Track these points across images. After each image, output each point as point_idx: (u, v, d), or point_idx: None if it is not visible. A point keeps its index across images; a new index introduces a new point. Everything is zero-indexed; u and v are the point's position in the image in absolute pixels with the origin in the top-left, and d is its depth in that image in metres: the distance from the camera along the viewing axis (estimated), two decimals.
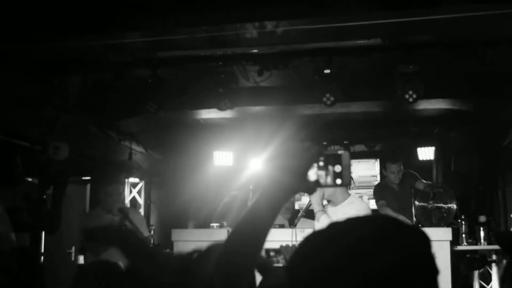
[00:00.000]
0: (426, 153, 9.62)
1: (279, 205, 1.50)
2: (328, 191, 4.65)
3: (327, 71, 5.72)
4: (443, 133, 9.37)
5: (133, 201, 10.28)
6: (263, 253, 3.61)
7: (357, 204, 4.78)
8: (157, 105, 6.29)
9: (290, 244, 3.32)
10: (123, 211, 5.57)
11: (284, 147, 1.53)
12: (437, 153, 9.65)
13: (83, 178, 9.58)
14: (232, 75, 6.03)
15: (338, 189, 4.68)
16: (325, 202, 4.77)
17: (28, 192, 5.93)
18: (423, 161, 9.60)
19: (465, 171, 9.20)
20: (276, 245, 3.74)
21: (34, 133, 6.47)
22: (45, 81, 6.05)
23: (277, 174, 1.50)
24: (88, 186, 9.71)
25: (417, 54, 5.63)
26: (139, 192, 10.33)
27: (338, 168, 1.51)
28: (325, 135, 9.44)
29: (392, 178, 7.53)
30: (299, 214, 4.76)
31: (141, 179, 10.26)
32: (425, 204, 7.45)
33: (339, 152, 1.53)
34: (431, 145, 9.58)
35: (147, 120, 7.85)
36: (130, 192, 10.26)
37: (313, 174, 1.50)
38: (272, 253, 3.46)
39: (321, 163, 1.49)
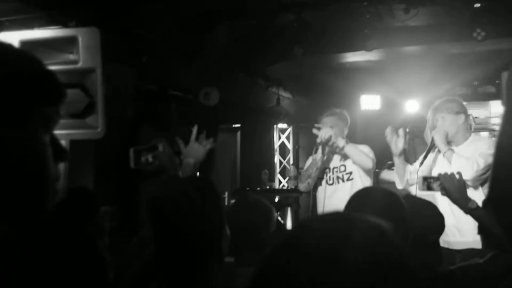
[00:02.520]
0: None
1: None
2: (452, 130, 4.50)
3: (477, 5, 5.44)
4: None
5: (282, 146, 10.51)
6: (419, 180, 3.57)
7: (478, 141, 4.55)
8: (303, 49, 6.33)
9: (448, 172, 3.27)
10: None
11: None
12: None
13: (233, 126, 9.89)
14: (377, 15, 5.91)
15: (461, 130, 4.54)
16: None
17: (183, 137, 6.26)
18: None
19: None
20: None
21: (186, 83, 6.77)
22: (196, 32, 6.27)
23: None
24: (239, 133, 10.02)
25: None
26: (287, 138, 10.54)
27: None
28: (475, 73, 9.03)
29: None
30: (423, 160, 4.63)
31: (289, 125, 10.44)
32: None
33: None
34: None
35: (293, 66, 7.90)
36: (279, 138, 10.48)
37: None
38: (430, 180, 3.41)
39: None
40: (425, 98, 8.38)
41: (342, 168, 5.36)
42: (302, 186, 5.43)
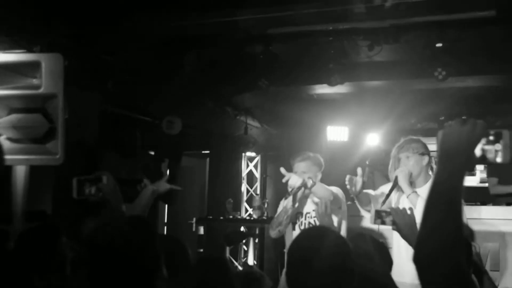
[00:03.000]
0: None
1: (456, 184, 1.50)
2: (416, 171, 4.55)
3: (438, 45, 5.58)
4: None
5: (250, 174, 10.54)
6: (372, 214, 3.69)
7: None
8: (269, 82, 6.38)
9: (400, 207, 3.37)
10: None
11: (447, 128, 1.57)
12: None
13: (203, 152, 9.93)
14: (342, 50, 6.01)
15: (423, 171, 4.58)
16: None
17: (147, 164, 6.30)
18: None
19: None
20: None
21: (153, 108, 6.79)
22: (164, 59, 6.31)
23: (445, 159, 1.53)
24: (207, 160, 10.06)
25: None
26: (255, 166, 10.57)
27: (498, 146, 1.54)
28: (442, 110, 9.18)
29: None
30: (385, 198, 4.64)
31: (257, 153, 10.48)
32: None
33: (502, 130, 1.56)
34: None
35: (262, 95, 7.96)
36: (247, 166, 10.51)
37: (478, 151, 1.53)
38: (383, 214, 3.53)
39: (484, 140, 1.53)
40: (389, 132, 8.50)
41: (314, 214, 5.30)
42: (273, 234, 5.37)
